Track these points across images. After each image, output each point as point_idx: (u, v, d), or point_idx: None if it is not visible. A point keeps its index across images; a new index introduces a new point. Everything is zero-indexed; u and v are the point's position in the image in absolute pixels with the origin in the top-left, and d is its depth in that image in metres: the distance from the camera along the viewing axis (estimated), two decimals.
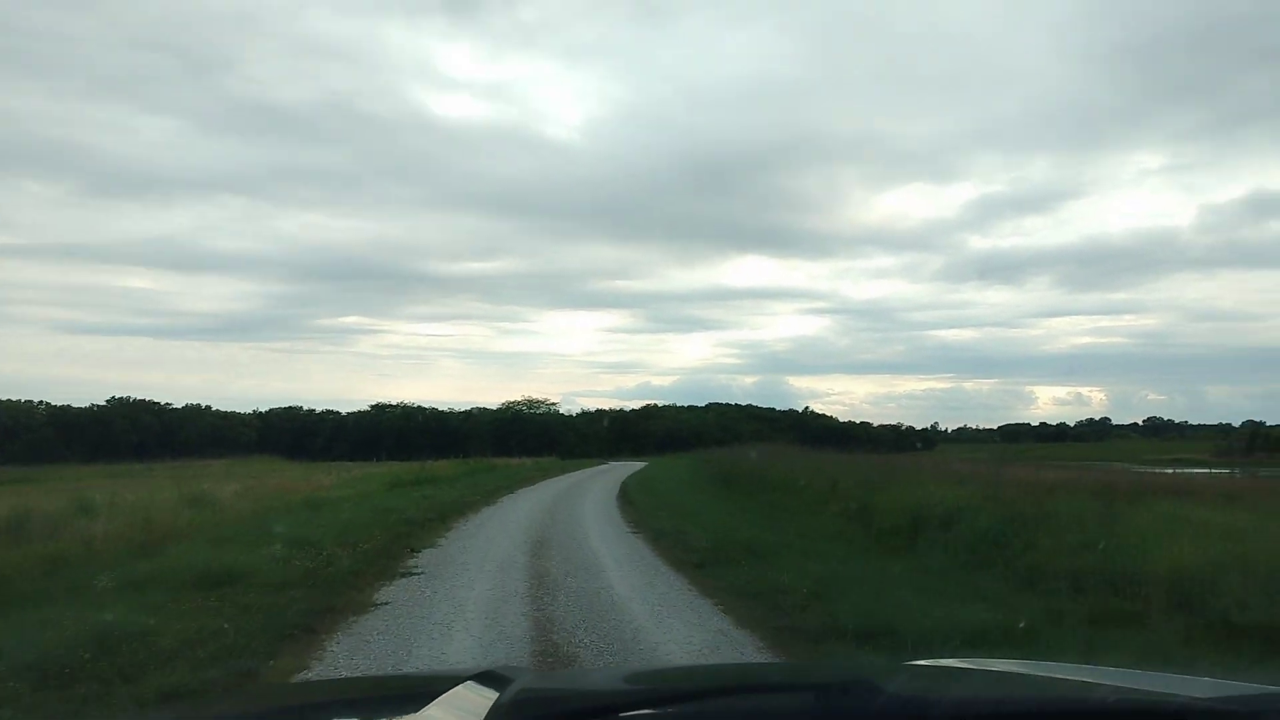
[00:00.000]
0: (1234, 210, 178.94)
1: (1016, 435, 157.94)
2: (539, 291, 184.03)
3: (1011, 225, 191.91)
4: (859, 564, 11.21)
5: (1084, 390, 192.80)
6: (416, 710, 1.77)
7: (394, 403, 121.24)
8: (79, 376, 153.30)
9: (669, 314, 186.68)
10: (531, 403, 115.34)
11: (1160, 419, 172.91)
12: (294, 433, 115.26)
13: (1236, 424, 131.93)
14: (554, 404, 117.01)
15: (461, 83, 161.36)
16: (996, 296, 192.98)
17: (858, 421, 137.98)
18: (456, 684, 1.93)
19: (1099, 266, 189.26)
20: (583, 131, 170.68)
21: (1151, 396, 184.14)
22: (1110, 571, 9.90)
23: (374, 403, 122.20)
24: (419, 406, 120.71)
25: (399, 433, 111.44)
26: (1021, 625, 7.61)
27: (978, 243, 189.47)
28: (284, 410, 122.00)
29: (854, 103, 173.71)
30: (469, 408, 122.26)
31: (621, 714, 1.66)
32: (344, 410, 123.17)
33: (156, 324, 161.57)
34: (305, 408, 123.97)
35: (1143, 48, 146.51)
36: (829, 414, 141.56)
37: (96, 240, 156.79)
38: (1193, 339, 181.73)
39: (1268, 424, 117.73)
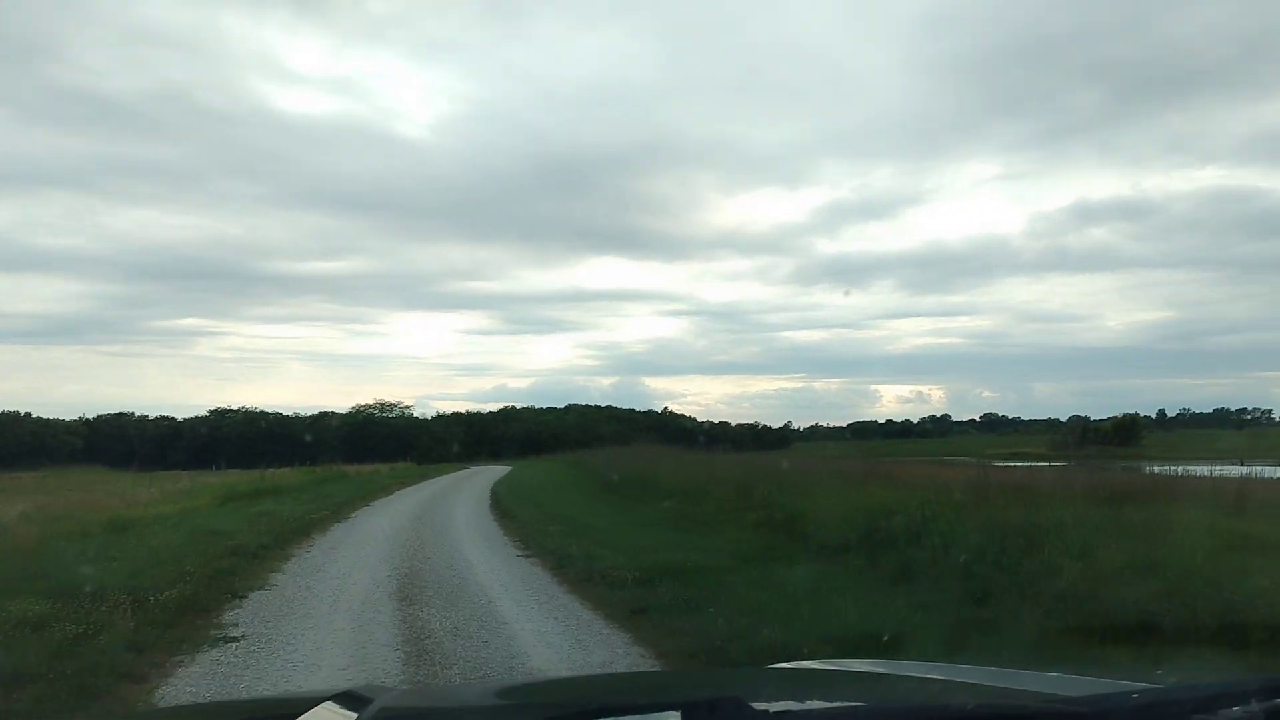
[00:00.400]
0: (1060, 218, 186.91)
1: (866, 432, 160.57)
2: (390, 292, 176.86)
3: (857, 230, 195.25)
4: (850, 599, 8.26)
5: (924, 388, 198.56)
6: None
7: (235, 407, 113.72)
8: None
9: (525, 315, 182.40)
10: (384, 406, 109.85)
11: (995, 415, 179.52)
12: (124, 440, 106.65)
13: (1063, 419, 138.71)
14: (407, 407, 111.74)
15: (307, 77, 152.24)
16: (844, 299, 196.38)
17: (716, 421, 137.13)
18: (314, 703, 1.85)
19: (938, 270, 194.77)
20: (434, 129, 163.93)
21: (985, 394, 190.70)
22: (1195, 607, 7.28)
23: (213, 407, 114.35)
24: (262, 411, 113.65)
25: (240, 439, 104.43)
26: None
27: (826, 246, 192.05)
28: (113, 417, 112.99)
29: (708, 108, 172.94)
30: (317, 412, 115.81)
31: None
32: (180, 416, 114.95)
33: None
34: (137, 413, 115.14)
35: (977, 62, 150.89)
36: (687, 414, 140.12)
37: None
38: (1022, 339, 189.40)
39: (1091, 418, 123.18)
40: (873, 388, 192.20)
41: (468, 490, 28.39)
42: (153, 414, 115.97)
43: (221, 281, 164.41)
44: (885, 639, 6.80)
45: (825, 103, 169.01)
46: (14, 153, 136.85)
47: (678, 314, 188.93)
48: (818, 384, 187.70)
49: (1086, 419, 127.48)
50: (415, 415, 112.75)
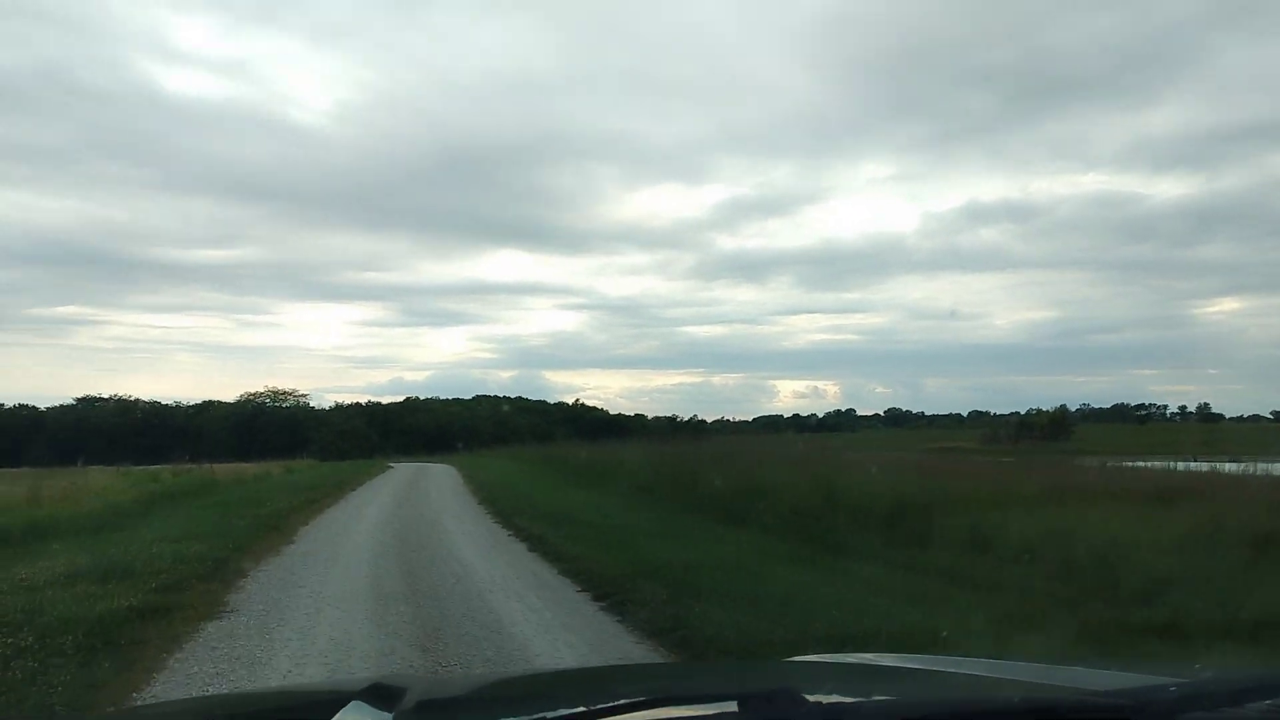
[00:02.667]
0: (952, 218, 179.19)
1: (775, 426, 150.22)
2: (283, 282, 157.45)
3: (757, 227, 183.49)
4: None
5: (820, 384, 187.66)
6: None
7: (106, 395, 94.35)
8: None
9: (422, 307, 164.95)
10: (276, 394, 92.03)
11: (898, 410, 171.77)
12: None
13: (964, 414, 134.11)
14: (303, 395, 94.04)
15: (197, 58, 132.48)
16: (743, 294, 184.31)
17: (632, 414, 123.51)
18: (341, 699, 1.59)
19: (834, 267, 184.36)
20: (331, 116, 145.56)
21: (879, 389, 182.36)
22: None
23: (80, 396, 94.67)
24: (136, 400, 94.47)
25: (111, 431, 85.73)
26: None
27: (726, 242, 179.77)
28: None
29: (609, 102, 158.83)
30: (201, 401, 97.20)
31: None
32: (44, 406, 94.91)
33: None
34: None
35: (873, 64, 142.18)
36: (597, 407, 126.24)
37: None
38: (914, 336, 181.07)
39: (993, 413, 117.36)
40: (770, 383, 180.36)
41: (454, 521, 13.23)
42: (10, 403, 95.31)
43: (103, 268, 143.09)
44: None
45: (726, 101, 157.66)
46: None
47: (577, 308, 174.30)
48: (716, 379, 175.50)
49: (986, 413, 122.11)
50: (311, 405, 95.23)
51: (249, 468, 31.52)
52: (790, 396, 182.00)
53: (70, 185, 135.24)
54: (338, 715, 1.49)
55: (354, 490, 21.50)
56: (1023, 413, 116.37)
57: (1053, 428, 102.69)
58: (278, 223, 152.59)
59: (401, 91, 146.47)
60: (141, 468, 28.77)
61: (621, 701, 1.59)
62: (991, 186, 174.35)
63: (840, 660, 2.38)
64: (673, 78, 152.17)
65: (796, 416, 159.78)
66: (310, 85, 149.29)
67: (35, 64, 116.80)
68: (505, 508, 15.30)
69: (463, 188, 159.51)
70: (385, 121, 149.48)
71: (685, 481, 16.68)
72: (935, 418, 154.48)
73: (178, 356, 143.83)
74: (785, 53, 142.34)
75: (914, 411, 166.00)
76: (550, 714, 1.47)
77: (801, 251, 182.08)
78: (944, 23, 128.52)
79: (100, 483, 18.51)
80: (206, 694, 4.72)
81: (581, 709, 1.53)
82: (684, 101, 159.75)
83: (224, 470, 28.56)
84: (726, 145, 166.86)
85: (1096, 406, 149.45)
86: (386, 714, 1.48)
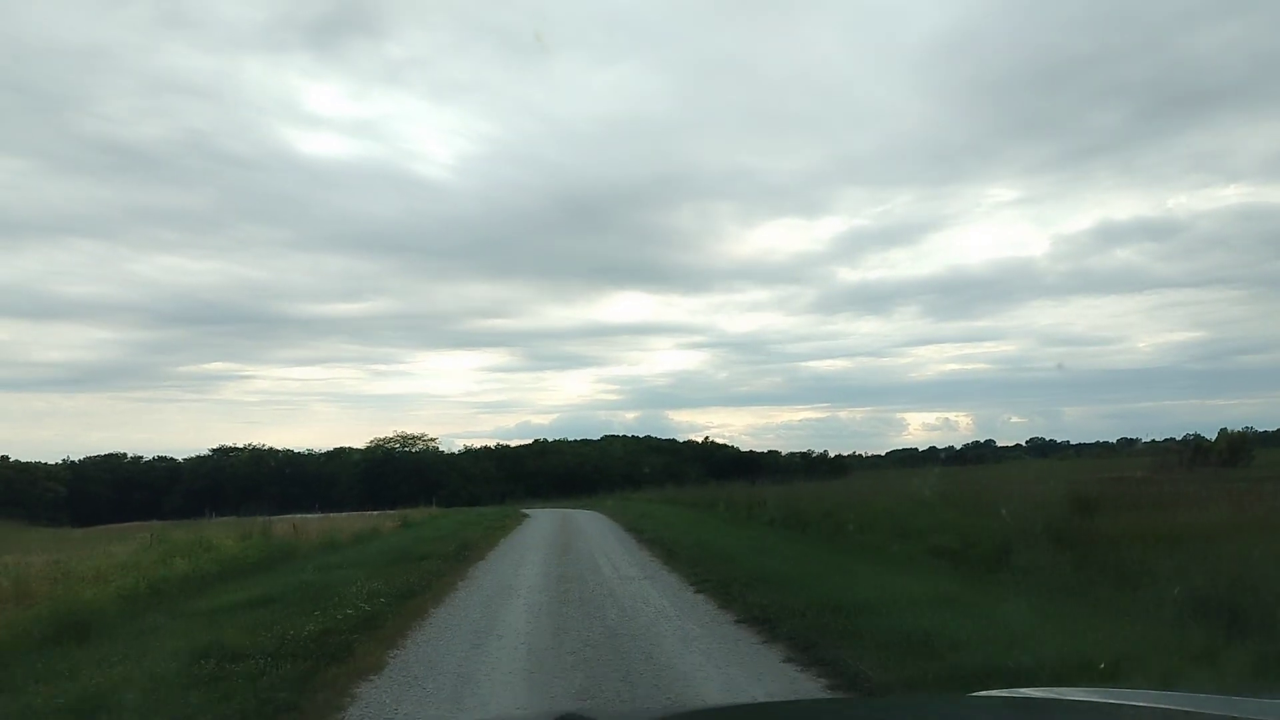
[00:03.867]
0: (1083, 240, 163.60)
1: (911, 460, 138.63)
2: (412, 332, 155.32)
3: (879, 257, 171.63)
4: None
5: (951, 415, 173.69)
6: None
7: (240, 445, 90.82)
8: None
9: (547, 352, 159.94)
10: (405, 439, 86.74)
11: (1040, 439, 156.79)
12: (114, 485, 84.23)
13: (1113, 441, 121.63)
14: (432, 440, 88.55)
15: (327, 121, 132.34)
16: (866, 327, 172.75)
17: (764, 450, 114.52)
18: None
19: (961, 295, 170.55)
20: (454, 169, 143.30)
21: (1014, 419, 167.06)
22: None
23: (215, 446, 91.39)
24: (270, 449, 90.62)
25: (246, 480, 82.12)
26: None
27: (847, 275, 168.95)
28: (102, 459, 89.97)
29: (724, 140, 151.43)
30: (333, 449, 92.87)
31: None
32: (181, 457, 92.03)
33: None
34: (131, 455, 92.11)
35: (993, 85, 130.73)
36: (727, 444, 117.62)
37: None
38: (1048, 363, 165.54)
39: (1144, 439, 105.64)
40: (899, 415, 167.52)
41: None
42: (149, 455, 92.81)
43: (247, 325, 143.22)
44: None
45: (841, 131, 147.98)
46: (43, 202, 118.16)
47: (699, 346, 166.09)
48: (843, 413, 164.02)
49: (1139, 440, 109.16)
50: (441, 450, 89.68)
51: (356, 521, 24.78)
52: (920, 429, 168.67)
53: (215, 248, 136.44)
54: None
55: (481, 560, 14.16)
56: (1179, 438, 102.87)
57: (1230, 452, 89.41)
58: (407, 275, 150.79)
59: (519, 141, 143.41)
60: (186, 524, 22.41)
61: None
62: (1125, 205, 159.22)
63: (1019, 695, 2.12)
64: (787, 112, 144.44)
65: (932, 449, 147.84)
66: (433, 140, 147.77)
67: (182, 135, 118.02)
68: (762, 605, 7.68)
69: (583, 232, 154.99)
70: (505, 171, 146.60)
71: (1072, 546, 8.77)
72: (1081, 446, 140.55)
73: (314, 407, 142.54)
74: (901, 79, 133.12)
75: (1057, 440, 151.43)
76: None
77: (926, 280, 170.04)
78: (1067, 39, 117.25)
79: (118, 558, 11.62)
80: None
81: None
82: (800, 135, 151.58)
83: (324, 527, 21.80)
84: (845, 176, 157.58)
85: (1262, 429, 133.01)
86: None
